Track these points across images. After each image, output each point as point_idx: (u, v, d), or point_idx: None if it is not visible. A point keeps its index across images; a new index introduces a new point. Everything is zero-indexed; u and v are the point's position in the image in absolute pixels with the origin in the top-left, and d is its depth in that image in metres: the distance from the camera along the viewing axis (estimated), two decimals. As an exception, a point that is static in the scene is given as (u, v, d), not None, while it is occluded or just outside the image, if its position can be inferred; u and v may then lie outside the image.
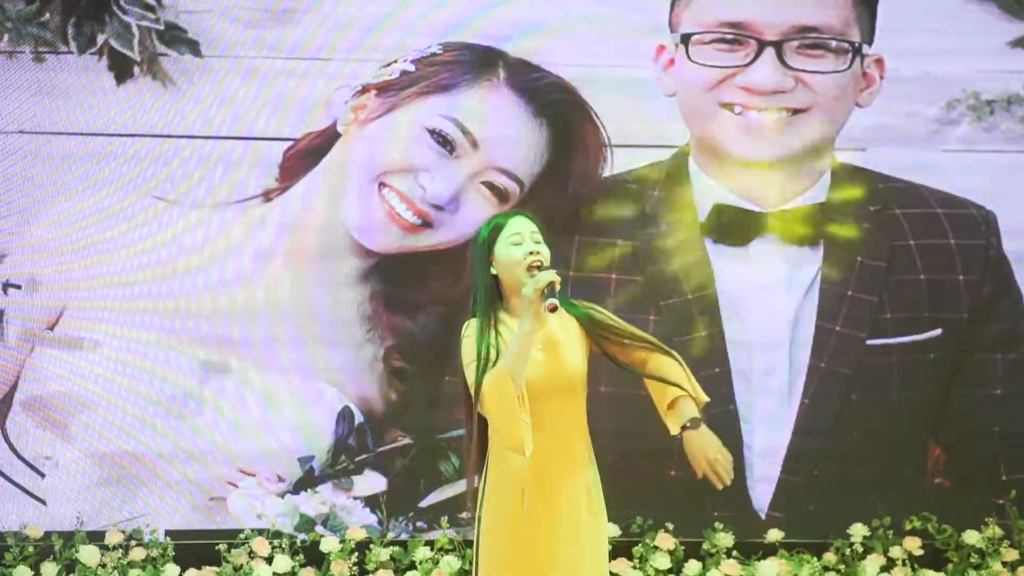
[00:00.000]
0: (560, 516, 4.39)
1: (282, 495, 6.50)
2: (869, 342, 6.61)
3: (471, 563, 4.62)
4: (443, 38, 6.58)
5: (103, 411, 6.45)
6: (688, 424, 4.40)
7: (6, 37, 6.44)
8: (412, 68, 6.55)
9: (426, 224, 6.53)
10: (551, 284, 4.26)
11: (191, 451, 6.49)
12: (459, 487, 6.49)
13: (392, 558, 6.48)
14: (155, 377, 6.49)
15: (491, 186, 6.51)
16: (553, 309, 4.22)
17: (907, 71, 6.59)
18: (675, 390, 4.43)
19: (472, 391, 4.34)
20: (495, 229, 4.46)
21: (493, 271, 4.44)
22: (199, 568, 6.43)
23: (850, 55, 6.49)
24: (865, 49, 6.51)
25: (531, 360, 4.31)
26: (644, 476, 6.48)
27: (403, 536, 6.52)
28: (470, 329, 4.41)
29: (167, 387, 6.48)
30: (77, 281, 6.43)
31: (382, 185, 6.52)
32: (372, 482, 6.58)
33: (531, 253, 4.38)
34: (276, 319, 6.55)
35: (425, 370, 6.54)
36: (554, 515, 4.38)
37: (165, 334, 6.47)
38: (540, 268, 4.35)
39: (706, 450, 4.37)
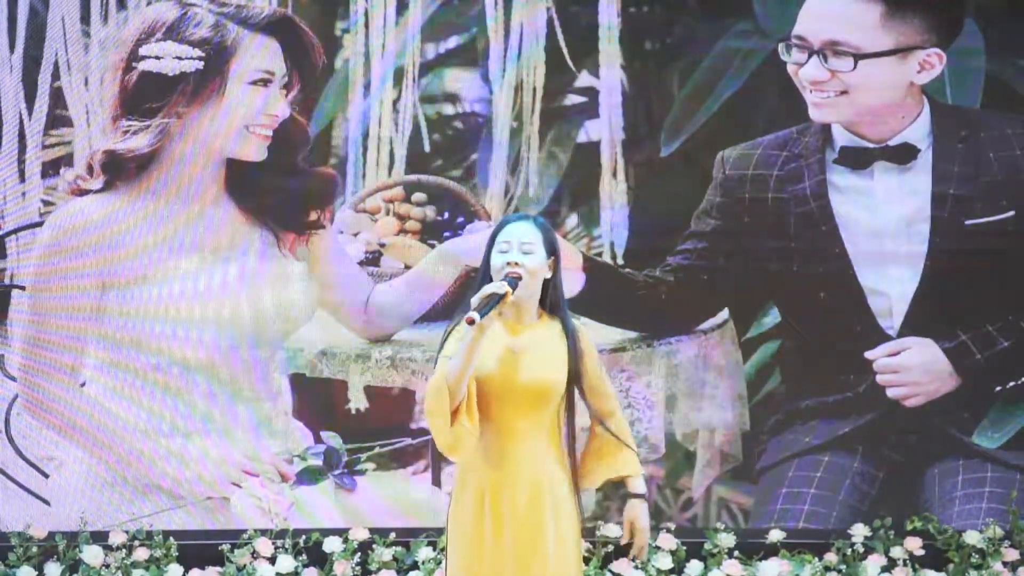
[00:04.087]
0: (521, 526, 4.32)
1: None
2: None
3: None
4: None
5: (107, 412, 6.46)
6: (638, 494, 4.53)
7: None
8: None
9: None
10: (493, 295, 4.21)
11: (194, 451, 6.50)
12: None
13: (395, 558, 6.49)
14: (158, 376, 6.49)
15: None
16: (470, 322, 4.16)
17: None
18: (627, 460, 4.52)
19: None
20: (496, 230, 4.43)
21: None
22: (202, 568, 6.44)
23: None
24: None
25: (507, 364, 4.31)
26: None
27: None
28: (449, 324, 4.42)
29: (171, 385, 6.49)
30: (78, 284, 6.43)
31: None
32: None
33: (509, 263, 4.32)
34: (280, 317, 6.57)
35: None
36: (514, 524, 4.32)
37: (168, 333, 6.47)
38: (515, 278, 4.30)
39: (639, 525, 4.51)
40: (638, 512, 4.52)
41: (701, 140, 6.82)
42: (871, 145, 6.66)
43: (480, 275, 4.42)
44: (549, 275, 4.41)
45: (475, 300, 4.23)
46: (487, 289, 4.23)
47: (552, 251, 4.40)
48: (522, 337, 4.37)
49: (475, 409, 4.26)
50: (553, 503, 4.36)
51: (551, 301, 4.45)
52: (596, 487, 4.63)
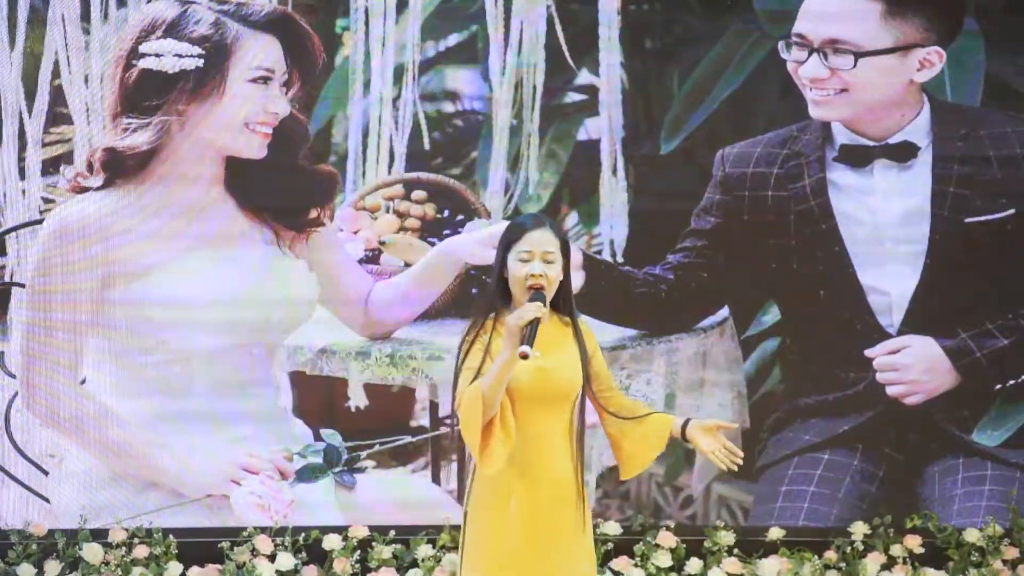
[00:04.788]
0: (546, 524, 4.41)
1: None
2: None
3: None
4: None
5: (107, 409, 6.45)
6: (686, 422, 4.58)
7: None
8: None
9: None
10: (534, 320, 4.26)
11: (194, 448, 6.49)
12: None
13: (394, 556, 6.50)
14: (158, 374, 6.48)
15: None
16: (524, 357, 4.20)
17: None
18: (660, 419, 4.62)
19: (455, 397, 4.41)
20: (513, 235, 4.47)
21: (505, 276, 4.48)
22: (202, 566, 6.45)
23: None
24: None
25: (534, 371, 4.36)
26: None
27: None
28: (468, 330, 4.47)
29: (170, 382, 6.48)
30: (78, 281, 6.42)
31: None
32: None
33: (532, 275, 4.39)
34: (280, 314, 6.57)
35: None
36: (540, 522, 4.41)
37: (168, 330, 6.46)
38: (540, 291, 4.36)
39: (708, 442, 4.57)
40: (699, 421, 4.58)
41: (701, 138, 6.83)
42: (871, 143, 6.67)
43: (494, 278, 4.49)
44: (562, 277, 4.48)
45: (514, 322, 4.26)
46: (527, 315, 4.26)
47: (565, 254, 4.48)
48: (541, 341, 4.38)
49: (510, 420, 4.33)
50: (574, 497, 4.46)
51: (562, 300, 4.52)
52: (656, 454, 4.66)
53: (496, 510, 4.42)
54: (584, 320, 4.61)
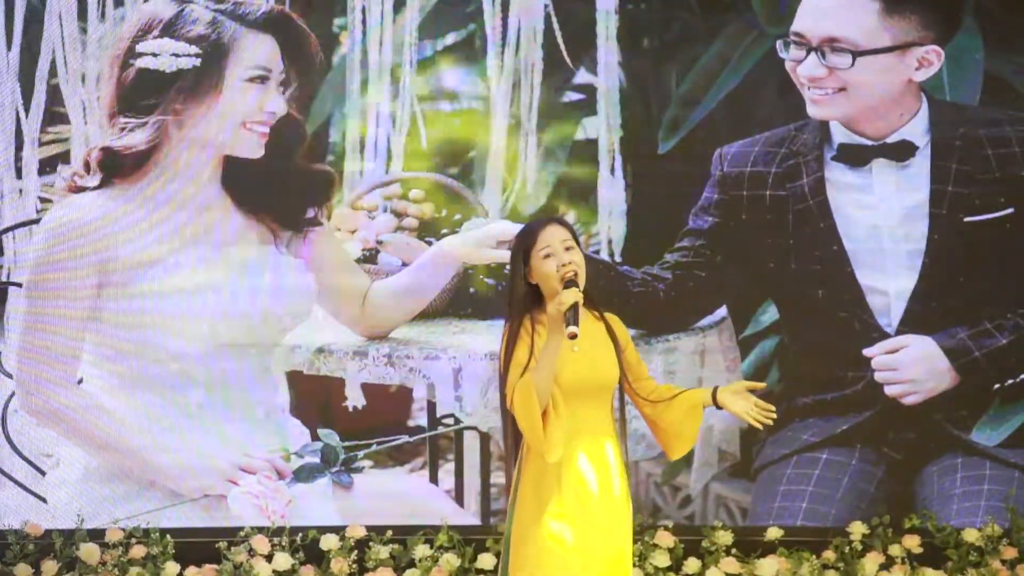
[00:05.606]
0: (597, 510, 4.55)
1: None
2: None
3: (500, 553, 4.75)
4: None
5: (104, 409, 6.44)
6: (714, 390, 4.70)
7: None
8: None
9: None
10: (575, 304, 4.41)
11: (191, 448, 6.49)
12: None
13: (392, 556, 6.49)
14: (155, 373, 6.48)
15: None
16: (573, 337, 4.37)
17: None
18: (692, 393, 4.75)
19: (505, 395, 4.55)
20: (528, 239, 4.61)
21: (532, 280, 4.61)
22: (199, 566, 6.45)
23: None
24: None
25: (571, 361, 4.50)
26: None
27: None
28: (506, 333, 4.60)
29: (168, 382, 6.48)
30: (75, 281, 6.42)
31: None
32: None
33: (563, 265, 4.54)
34: (278, 314, 6.57)
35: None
36: (591, 508, 4.55)
37: (165, 330, 6.46)
38: (574, 278, 4.52)
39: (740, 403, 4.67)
40: (728, 386, 4.70)
41: (699, 137, 6.82)
42: (869, 142, 6.66)
43: (520, 284, 4.60)
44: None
45: (555, 308, 4.42)
46: (567, 300, 4.43)
47: (578, 243, 4.66)
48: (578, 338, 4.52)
49: (563, 408, 4.50)
50: (618, 476, 4.60)
51: (587, 295, 4.65)
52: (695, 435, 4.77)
53: (546, 495, 4.55)
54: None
